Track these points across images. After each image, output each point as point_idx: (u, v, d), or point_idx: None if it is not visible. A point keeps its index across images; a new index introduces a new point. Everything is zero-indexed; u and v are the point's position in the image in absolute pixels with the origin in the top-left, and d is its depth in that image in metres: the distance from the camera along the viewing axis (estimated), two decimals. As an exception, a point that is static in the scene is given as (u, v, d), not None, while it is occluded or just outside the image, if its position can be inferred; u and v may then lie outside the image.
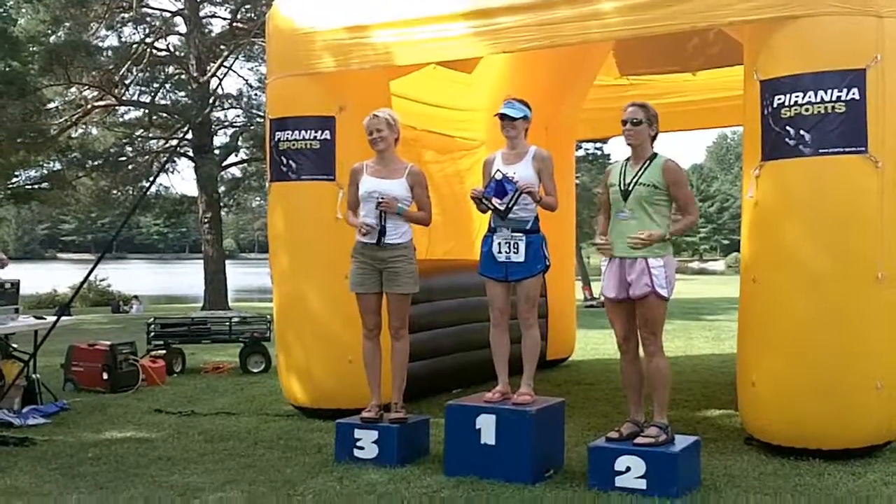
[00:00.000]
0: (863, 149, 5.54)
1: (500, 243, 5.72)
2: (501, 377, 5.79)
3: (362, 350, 6.14)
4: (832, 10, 5.53)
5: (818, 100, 5.57)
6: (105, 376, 8.84)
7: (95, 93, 23.98)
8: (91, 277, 27.30)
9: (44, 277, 29.75)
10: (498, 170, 5.74)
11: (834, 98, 5.55)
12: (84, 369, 8.96)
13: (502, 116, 5.77)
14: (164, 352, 10.06)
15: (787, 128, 5.68)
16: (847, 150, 5.56)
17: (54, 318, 8.09)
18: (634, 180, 5.28)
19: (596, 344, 12.58)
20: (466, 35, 6.60)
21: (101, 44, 24.42)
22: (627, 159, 5.45)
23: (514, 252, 5.68)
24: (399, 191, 5.96)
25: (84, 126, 25.59)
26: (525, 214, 5.70)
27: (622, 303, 5.35)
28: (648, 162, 5.32)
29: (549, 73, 9.35)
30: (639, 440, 5.15)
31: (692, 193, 5.43)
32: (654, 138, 5.39)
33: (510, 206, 5.62)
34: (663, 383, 5.28)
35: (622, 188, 5.33)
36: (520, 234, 5.68)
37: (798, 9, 5.58)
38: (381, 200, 5.89)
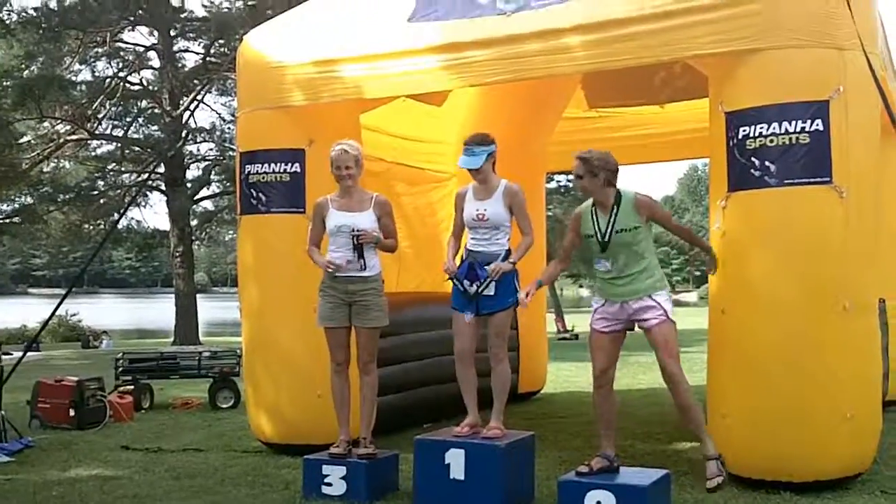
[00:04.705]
0: (827, 179, 5.58)
1: (471, 277, 5.71)
2: (471, 409, 5.74)
3: (331, 385, 6.08)
4: (794, 44, 5.60)
5: (782, 131, 5.62)
6: (72, 413, 8.69)
7: (68, 127, 23.89)
8: (62, 312, 27.08)
9: (14, 312, 29.38)
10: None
11: (798, 129, 5.59)
12: (50, 406, 8.80)
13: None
14: (132, 387, 9.92)
15: (753, 159, 5.72)
16: (812, 180, 5.59)
17: (21, 353, 7.97)
18: (610, 229, 5.23)
19: (568, 377, 12.54)
20: (435, 69, 6.62)
21: (74, 78, 24.35)
22: (593, 205, 5.39)
23: (486, 287, 5.66)
24: (368, 223, 5.95)
25: (56, 160, 25.47)
26: (496, 249, 5.70)
27: (610, 335, 5.32)
28: (616, 207, 5.26)
29: (518, 105, 9.40)
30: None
31: (669, 212, 5.44)
32: (608, 182, 5.31)
33: (480, 291, 5.65)
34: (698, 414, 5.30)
35: (600, 239, 5.28)
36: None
37: (761, 42, 5.64)
38: (359, 233, 5.87)
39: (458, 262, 5.86)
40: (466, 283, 5.70)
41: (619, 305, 5.28)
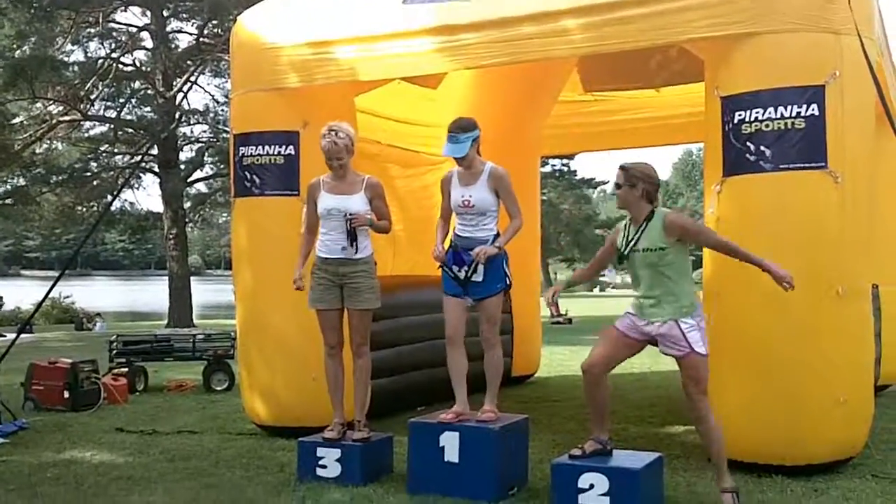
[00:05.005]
0: (823, 164, 5.59)
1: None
2: (459, 397, 5.71)
3: (324, 368, 6.08)
4: (790, 28, 5.59)
5: (778, 116, 5.62)
6: (66, 395, 8.71)
7: (60, 108, 23.77)
8: (55, 294, 27.05)
9: (7, 294, 29.29)
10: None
11: (793, 114, 5.59)
12: (45, 388, 8.81)
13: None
14: (126, 370, 9.93)
15: (748, 143, 5.72)
16: (807, 165, 5.60)
17: (14, 335, 7.95)
18: (631, 245, 5.08)
19: (561, 360, 12.57)
20: (430, 51, 6.60)
21: (66, 58, 24.18)
22: (631, 219, 5.21)
23: (474, 271, 5.65)
24: (359, 206, 5.93)
25: (49, 141, 25.35)
26: (483, 234, 5.66)
27: (623, 337, 5.17)
28: (645, 223, 5.07)
29: (513, 88, 9.38)
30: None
31: (709, 229, 5.34)
32: (647, 196, 5.10)
33: (469, 275, 5.64)
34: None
35: (620, 252, 5.13)
36: (479, 253, 5.63)
37: (757, 26, 5.63)
38: (352, 217, 5.85)
39: (447, 246, 5.84)
40: (455, 268, 5.69)
41: (646, 322, 5.13)
